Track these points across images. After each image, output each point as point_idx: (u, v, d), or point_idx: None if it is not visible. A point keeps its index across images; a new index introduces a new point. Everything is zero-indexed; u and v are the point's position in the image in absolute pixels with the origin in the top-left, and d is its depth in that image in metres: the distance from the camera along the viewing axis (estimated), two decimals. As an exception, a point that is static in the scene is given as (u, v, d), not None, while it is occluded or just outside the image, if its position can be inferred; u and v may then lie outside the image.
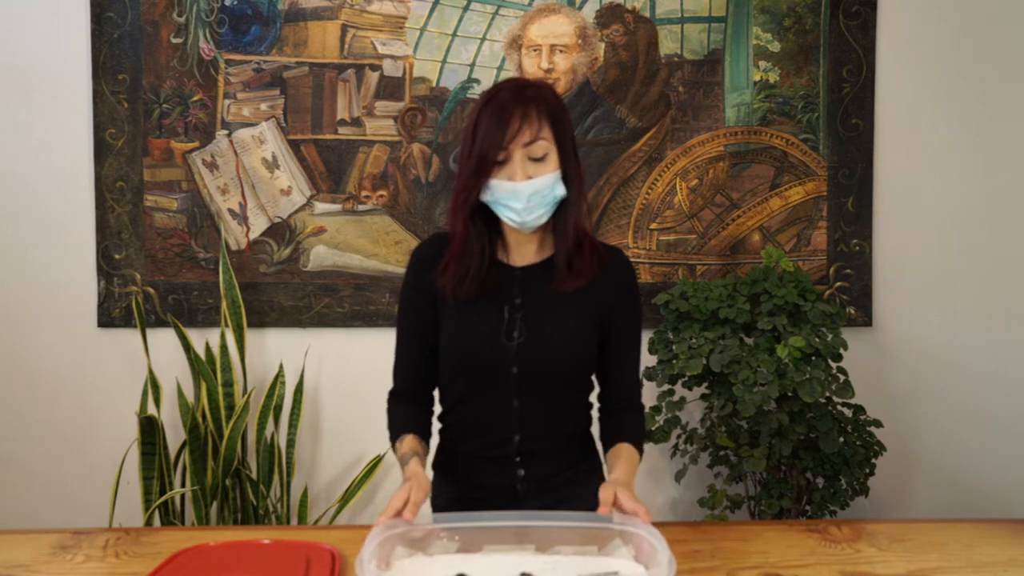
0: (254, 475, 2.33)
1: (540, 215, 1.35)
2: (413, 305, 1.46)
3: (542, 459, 1.44)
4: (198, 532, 1.53)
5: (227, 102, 2.38)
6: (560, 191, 1.36)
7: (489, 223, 1.40)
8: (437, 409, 1.51)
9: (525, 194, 1.31)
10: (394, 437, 1.45)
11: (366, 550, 1.11)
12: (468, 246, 1.38)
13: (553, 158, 1.34)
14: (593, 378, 1.50)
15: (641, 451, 1.44)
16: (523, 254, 1.43)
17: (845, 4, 2.44)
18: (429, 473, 1.52)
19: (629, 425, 1.47)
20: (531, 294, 1.40)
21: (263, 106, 2.39)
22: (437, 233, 1.48)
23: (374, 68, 2.40)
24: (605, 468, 1.47)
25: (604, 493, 1.23)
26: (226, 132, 2.39)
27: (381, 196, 2.42)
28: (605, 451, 1.46)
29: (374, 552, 1.12)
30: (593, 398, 1.51)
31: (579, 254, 1.40)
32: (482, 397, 1.42)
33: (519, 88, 1.35)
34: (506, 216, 1.35)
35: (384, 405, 1.51)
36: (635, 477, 1.38)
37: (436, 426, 1.51)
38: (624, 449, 1.41)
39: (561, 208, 1.38)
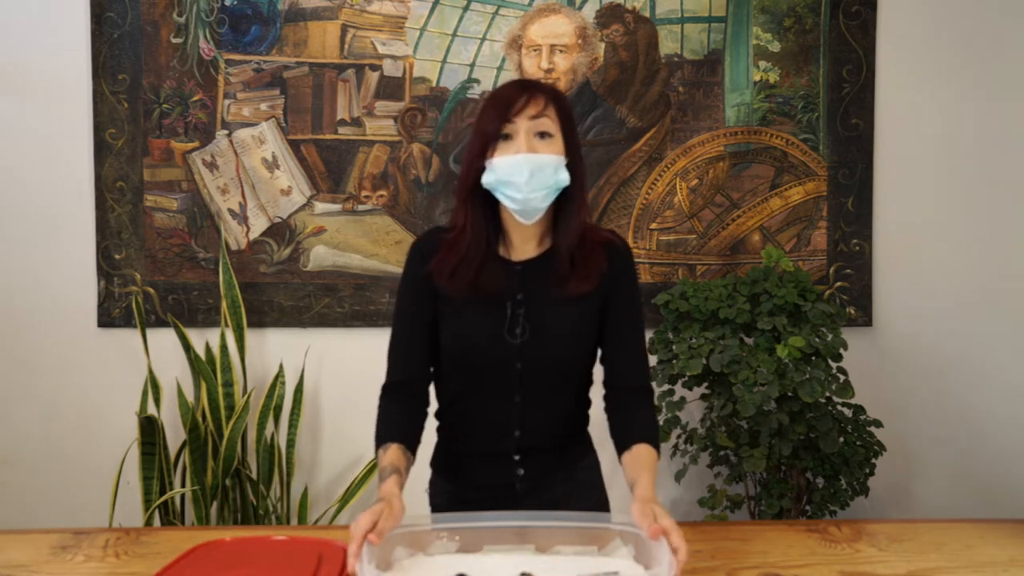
0: (254, 475, 2.33)
1: (542, 196, 1.31)
2: (411, 297, 1.42)
3: (541, 456, 1.43)
4: (198, 532, 1.53)
5: (227, 102, 2.38)
6: (563, 177, 1.32)
7: (490, 216, 1.37)
8: (434, 405, 1.49)
9: (527, 167, 1.28)
10: (379, 442, 1.35)
11: (366, 550, 1.11)
12: (465, 234, 1.36)
13: (559, 142, 1.33)
14: (592, 372, 1.47)
15: (658, 447, 1.37)
16: (523, 249, 1.40)
17: (845, 4, 2.44)
18: (425, 477, 1.52)
19: (642, 421, 1.40)
20: (533, 289, 1.38)
21: (263, 106, 2.39)
22: (437, 227, 1.46)
23: (374, 68, 2.40)
24: (624, 471, 1.38)
25: (643, 518, 1.16)
26: (226, 132, 2.39)
27: (381, 196, 2.42)
28: (619, 450, 1.39)
29: (374, 552, 1.12)
30: (591, 394, 1.49)
31: (582, 253, 1.37)
32: (483, 393, 1.40)
33: (525, 80, 1.38)
34: (507, 197, 1.31)
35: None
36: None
37: (433, 423, 1.49)
38: (643, 454, 1.34)
39: (563, 205, 1.36)
